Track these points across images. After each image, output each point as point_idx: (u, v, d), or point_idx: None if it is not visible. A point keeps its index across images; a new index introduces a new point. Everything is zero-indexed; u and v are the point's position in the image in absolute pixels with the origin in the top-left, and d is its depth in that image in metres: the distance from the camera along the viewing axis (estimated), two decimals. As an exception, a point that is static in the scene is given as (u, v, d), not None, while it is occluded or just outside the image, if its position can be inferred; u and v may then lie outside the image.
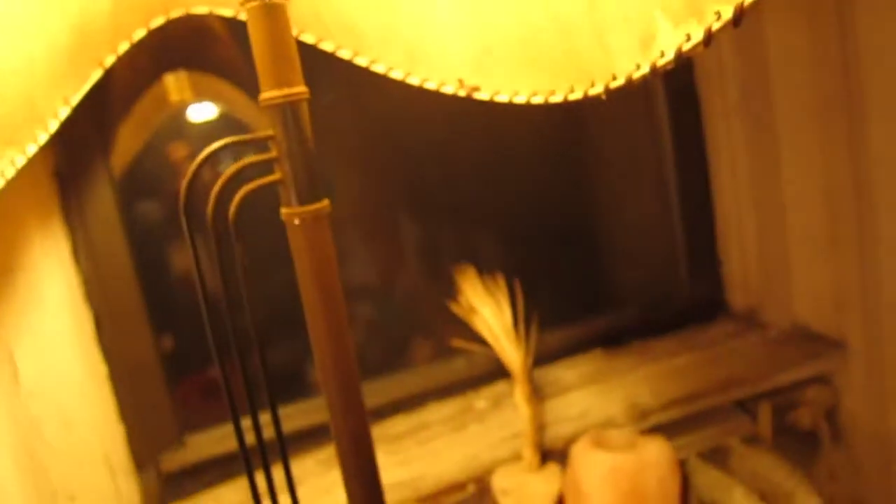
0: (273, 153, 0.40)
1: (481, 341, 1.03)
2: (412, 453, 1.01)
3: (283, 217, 0.41)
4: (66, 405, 0.89)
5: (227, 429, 1.05)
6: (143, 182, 1.02)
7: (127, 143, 1.03)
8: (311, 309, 0.42)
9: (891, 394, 1.12)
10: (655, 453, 0.87)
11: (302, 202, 0.40)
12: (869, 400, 1.14)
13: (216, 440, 1.03)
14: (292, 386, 1.09)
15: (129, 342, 0.99)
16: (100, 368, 0.96)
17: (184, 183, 0.38)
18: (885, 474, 1.16)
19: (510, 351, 1.00)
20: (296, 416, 1.04)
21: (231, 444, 1.03)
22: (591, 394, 1.09)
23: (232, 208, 0.39)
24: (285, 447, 0.46)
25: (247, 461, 0.44)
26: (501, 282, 1.03)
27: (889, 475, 1.15)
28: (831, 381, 1.17)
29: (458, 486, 0.97)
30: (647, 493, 0.84)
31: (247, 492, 1.00)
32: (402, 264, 1.17)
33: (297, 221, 0.41)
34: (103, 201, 0.96)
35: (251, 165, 0.41)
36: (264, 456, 0.44)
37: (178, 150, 1.05)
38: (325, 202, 0.41)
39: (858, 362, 1.13)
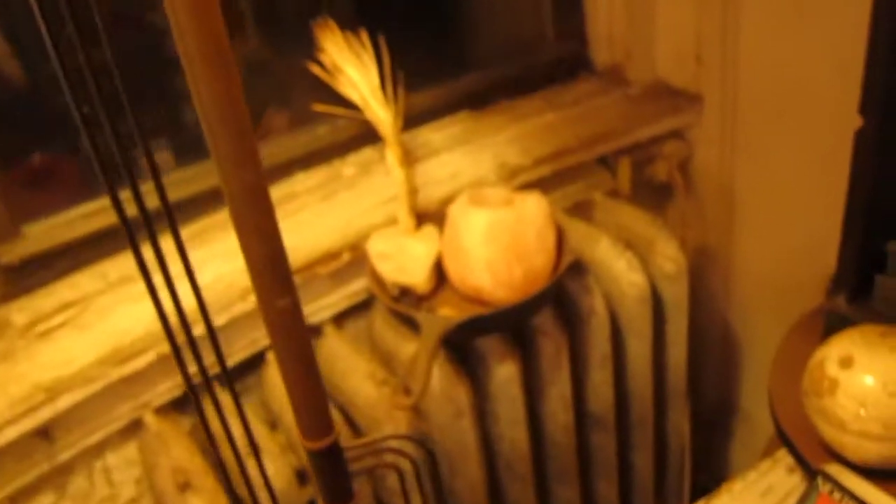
0: None
1: (346, 105, 0.96)
2: (282, 225, 0.96)
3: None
4: None
5: (70, 215, 0.95)
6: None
7: None
8: (189, 54, 0.34)
9: (739, 147, 1.17)
10: (532, 208, 0.87)
11: None
12: (719, 153, 1.20)
13: (59, 228, 0.93)
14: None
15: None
16: None
17: None
18: (727, 219, 1.24)
19: (379, 112, 0.94)
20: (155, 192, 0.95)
21: (77, 231, 0.94)
22: (460, 155, 1.06)
23: None
24: (172, 214, 0.39)
25: (129, 230, 0.37)
26: (365, 39, 0.95)
27: (731, 220, 1.24)
28: (687, 135, 1.21)
29: (332, 255, 0.94)
30: (526, 246, 0.85)
31: (103, 278, 0.93)
32: (248, 25, 1.05)
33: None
34: None
35: None
36: (150, 225, 0.38)
37: None
38: None
39: (713, 116, 1.17)
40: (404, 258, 0.89)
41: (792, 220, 1.15)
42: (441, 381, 0.86)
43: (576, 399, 1.02)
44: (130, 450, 0.90)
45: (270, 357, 0.93)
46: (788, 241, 1.17)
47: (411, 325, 0.86)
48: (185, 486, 0.76)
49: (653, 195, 1.24)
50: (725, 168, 1.20)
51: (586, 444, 1.08)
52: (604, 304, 0.98)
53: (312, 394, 0.44)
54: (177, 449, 0.80)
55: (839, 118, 1.01)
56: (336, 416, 0.87)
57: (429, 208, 1.00)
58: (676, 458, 1.21)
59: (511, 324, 0.90)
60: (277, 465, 0.79)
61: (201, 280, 0.91)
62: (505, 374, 0.90)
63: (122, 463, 0.92)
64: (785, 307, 1.20)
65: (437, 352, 0.76)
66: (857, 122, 0.79)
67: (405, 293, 0.90)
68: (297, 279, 0.92)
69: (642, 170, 1.19)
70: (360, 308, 1.02)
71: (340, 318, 1.03)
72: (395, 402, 0.73)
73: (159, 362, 0.85)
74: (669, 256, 1.02)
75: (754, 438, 1.41)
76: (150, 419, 0.86)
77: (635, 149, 1.17)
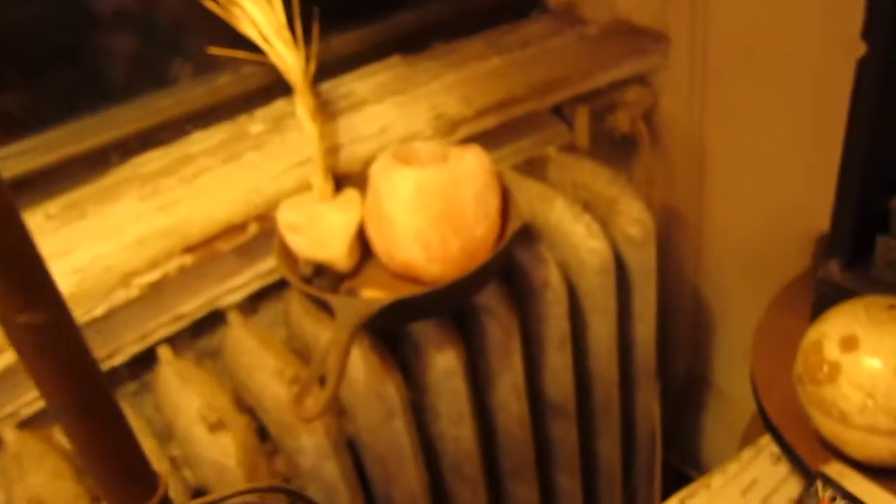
0: None
1: (250, 48, 0.80)
2: (175, 194, 0.81)
3: None
4: None
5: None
6: None
7: None
8: None
9: (710, 93, 1.03)
10: (470, 165, 0.72)
11: None
12: (688, 100, 1.06)
13: None
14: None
15: None
16: None
17: None
18: (697, 176, 1.11)
19: (286, 55, 0.78)
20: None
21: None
22: (390, 107, 0.91)
23: None
24: None
25: None
26: (268, -34, 0.78)
27: (701, 176, 1.11)
28: (651, 80, 1.07)
29: (235, 228, 0.78)
30: (463, 211, 0.70)
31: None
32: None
33: None
34: None
35: None
36: None
37: None
38: None
39: (680, 59, 1.03)
40: (319, 230, 0.74)
41: (770, 175, 1.02)
42: (367, 375, 0.72)
43: (530, 386, 0.88)
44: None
45: (162, 354, 0.78)
46: (767, 200, 1.04)
47: (329, 310, 0.71)
48: (40, 524, 0.61)
49: (614, 150, 1.10)
50: (695, 117, 1.06)
51: (544, 436, 0.95)
52: (560, 276, 0.84)
53: (108, 443, 0.29)
54: (36, 475, 0.64)
55: (825, 57, 0.88)
56: (243, 422, 0.72)
57: (352, 169, 0.84)
58: (646, 443, 1.09)
59: (449, 304, 0.76)
60: (162, 488, 0.64)
61: (75, 262, 0.75)
62: (444, 364, 0.76)
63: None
64: (763, 274, 1.09)
65: (351, 344, 0.61)
66: (845, 61, 0.66)
67: (322, 272, 0.75)
68: (192, 257, 0.77)
69: (602, 121, 1.05)
70: (276, 290, 0.88)
71: (255, 302, 0.88)
72: (298, 411, 0.59)
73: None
74: (634, 218, 0.89)
75: (728, 416, 1.30)
76: (10, 435, 0.70)
77: (594, 97, 1.02)
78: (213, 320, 0.85)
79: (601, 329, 0.91)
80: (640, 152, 1.08)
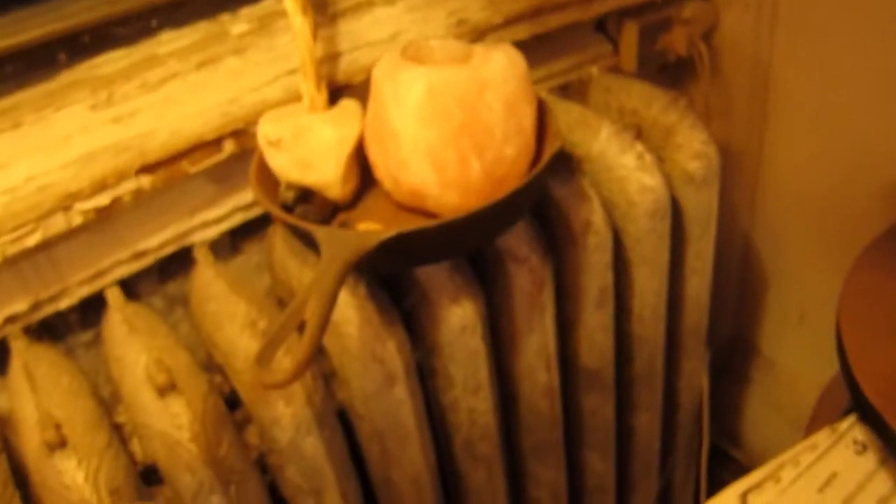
0: None
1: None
2: (134, 103, 0.65)
3: None
4: None
5: None
6: None
7: None
8: None
9: (782, 8, 0.87)
10: (500, 66, 0.56)
11: None
12: (755, 18, 0.90)
13: None
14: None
15: None
16: None
17: None
18: (759, 111, 0.95)
19: (272, -71, 0.63)
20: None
21: None
22: (402, 9, 0.75)
23: None
24: None
25: None
26: None
27: (764, 111, 0.95)
28: (713, -8, 0.91)
29: (207, 145, 0.64)
30: (488, 123, 0.55)
31: None
32: None
33: None
34: None
35: None
36: None
37: None
38: None
39: (749, -36, 0.87)
40: (307, 147, 0.59)
41: (849, 113, 0.86)
42: (362, 331, 0.58)
43: (562, 350, 0.74)
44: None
45: (111, 297, 0.64)
46: (841, 142, 0.89)
47: (314, 245, 0.56)
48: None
49: (663, 76, 0.94)
50: (762, 39, 0.90)
51: (575, 410, 0.80)
52: (604, 218, 0.69)
53: None
54: None
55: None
56: (204, 384, 0.58)
57: (353, 79, 0.69)
58: (689, 420, 0.94)
59: (468, 244, 0.61)
60: (95, 465, 0.50)
61: (4, 181, 0.60)
62: (459, 320, 0.61)
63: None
64: (829, 229, 0.94)
65: (338, 287, 0.47)
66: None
67: (310, 200, 0.60)
68: (151, 179, 0.62)
69: (654, 41, 0.89)
70: (263, 226, 0.73)
71: (236, 240, 0.74)
72: (262, 374, 0.44)
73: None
74: (696, 152, 0.73)
75: (775, 388, 1.16)
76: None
77: (645, 10, 0.86)
78: (186, 260, 0.71)
79: (648, 284, 0.76)
80: (698, 80, 0.92)
